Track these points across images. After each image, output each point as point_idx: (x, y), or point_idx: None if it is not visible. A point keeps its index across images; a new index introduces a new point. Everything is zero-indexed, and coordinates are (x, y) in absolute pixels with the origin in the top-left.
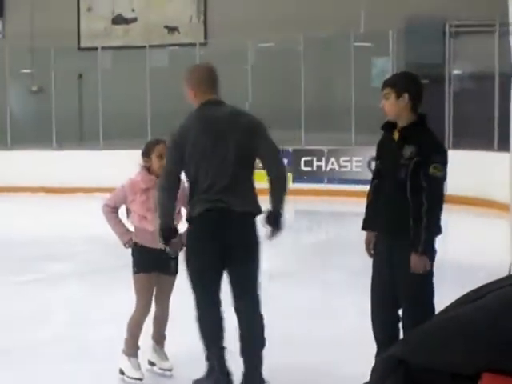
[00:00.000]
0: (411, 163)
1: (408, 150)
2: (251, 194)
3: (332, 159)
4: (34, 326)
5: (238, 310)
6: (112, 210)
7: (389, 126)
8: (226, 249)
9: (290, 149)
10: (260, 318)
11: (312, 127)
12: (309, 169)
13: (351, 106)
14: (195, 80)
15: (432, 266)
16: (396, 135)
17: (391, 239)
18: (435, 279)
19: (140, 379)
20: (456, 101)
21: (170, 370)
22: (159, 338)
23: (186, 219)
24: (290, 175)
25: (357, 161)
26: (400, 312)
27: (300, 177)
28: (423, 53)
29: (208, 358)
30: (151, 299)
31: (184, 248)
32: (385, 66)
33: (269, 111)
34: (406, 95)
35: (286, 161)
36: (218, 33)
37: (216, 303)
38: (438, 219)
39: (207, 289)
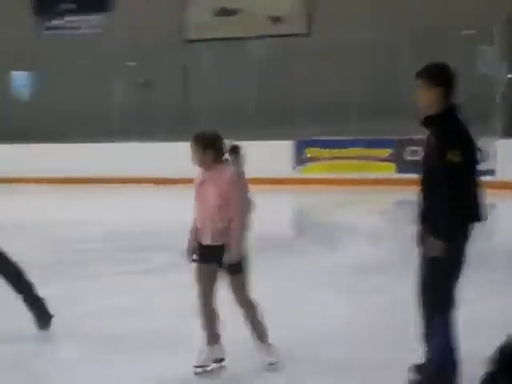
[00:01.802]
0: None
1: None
2: None
3: None
4: (138, 316)
5: None
6: None
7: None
8: None
9: (396, 139)
10: None
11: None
12: (414, 158)
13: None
14: None
15: (453, 255)
16: None
17: None
18: None
19: (222, 359)
20: None
21: (273, 364)
22: (255, 335)
23: None
24: (393, 165)
25: None
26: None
27: (404, 166)
28: None
29: None
30: (207, 290)
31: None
32: (490, 55)
33: (373, 101)
34: (437, 86)
35: (390, 151)
36: (322, 23)
37: None
38: (456, 205)
39: None
